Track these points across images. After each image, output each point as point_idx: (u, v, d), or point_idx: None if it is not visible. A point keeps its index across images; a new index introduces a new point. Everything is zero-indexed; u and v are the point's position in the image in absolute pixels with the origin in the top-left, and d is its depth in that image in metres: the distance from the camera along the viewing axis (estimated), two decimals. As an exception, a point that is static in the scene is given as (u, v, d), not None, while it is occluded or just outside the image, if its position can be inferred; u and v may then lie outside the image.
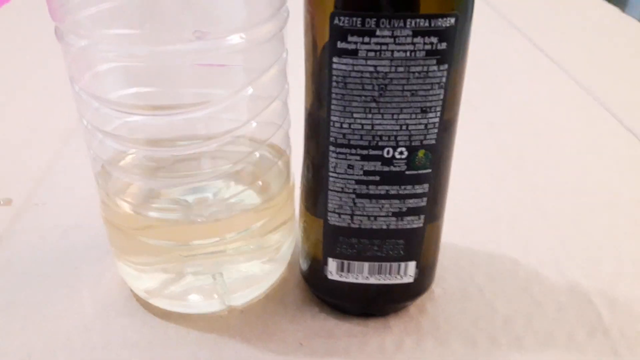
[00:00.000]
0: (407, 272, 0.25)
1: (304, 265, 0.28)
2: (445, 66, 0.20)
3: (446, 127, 0.22)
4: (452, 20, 0.19)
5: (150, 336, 0.27)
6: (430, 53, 0.20)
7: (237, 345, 0.26)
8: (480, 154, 0.40)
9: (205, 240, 0.26)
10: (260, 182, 0.27)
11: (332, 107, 0.21)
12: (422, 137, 0.22)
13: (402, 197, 0.23)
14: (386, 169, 0.22)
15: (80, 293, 0.29)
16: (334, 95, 0.21)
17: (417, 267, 0.25)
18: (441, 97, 0.21)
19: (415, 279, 0.26)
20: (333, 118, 0.21)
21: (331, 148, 0.22)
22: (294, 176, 0.28)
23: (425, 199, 0.23)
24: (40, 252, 0.32)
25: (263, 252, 0.27)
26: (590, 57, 0.55)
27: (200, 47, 0.21)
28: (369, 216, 0.23)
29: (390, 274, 0.25)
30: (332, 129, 0.22)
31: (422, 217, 0.24)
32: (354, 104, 0.21)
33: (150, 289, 0.27)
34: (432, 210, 0.24)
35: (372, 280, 0.25)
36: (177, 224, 0.26)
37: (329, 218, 0.24)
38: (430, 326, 0.27)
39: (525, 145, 0.41)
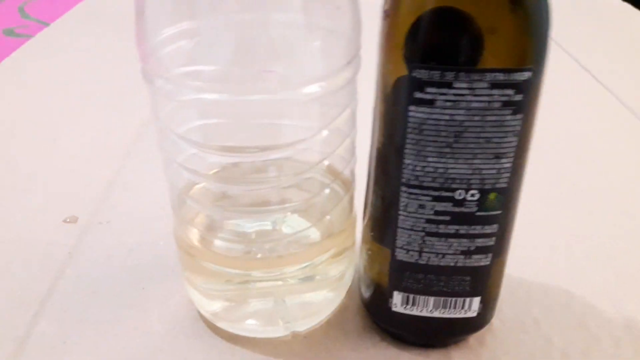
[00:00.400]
0: (472, 307, 0.26)
1: (366, 293, 0.29)
2: (520, 116, 0.21)
3: (517, 171, 0.22)
4: (528, 74, 0.20)
5: (218, 358, 0.28)
6: (506, 104, 0.20)
7: (302, 371, 0.27)
8: (535, 184, 0.40)
9: (264, 273, 0.27)
10: (326, 218, 0.28)
11: (406, 151, 0.22)
12: (494, 181, 0.22)
13: (471, 237, 0.24)
14: (457, 209, 0.23)
15: (149, 313, 0.30)
16: (408, 140, 0.22)
17: (482, 302, 0.26)
18: (514, 144, 0.21)
19: (478, 314, 0.26)
20: (407, 161, 0.22)
21: (403, 188, 0.23)
22: (356, 206, 0.29)
23: (493, 238, 0.24)
24: (107, 271, 0.33)
25: (325, 282, 0.28)
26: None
27: (282, 97, 0.21)
28: (437, 253, 0.24)
29: (454, 308, 0.26)
30: (404, 170, 0.22)
31: (490, 255, 0.24)
32: (429, 149, 0.22)
33: (216, 312, 0.28)
34: (499, 248, 0.24)
35: (436, 314, 0.26)
36: (238, 257, 0.27)
37: (396, 253, 0.25)
38: (490, 358, 0.27)
39: (579, 174, 0.41)
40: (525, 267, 0.32)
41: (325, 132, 0.24)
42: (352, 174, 0.28)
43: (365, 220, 0.27)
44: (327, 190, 0.26)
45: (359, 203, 0.29)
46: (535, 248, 0.34)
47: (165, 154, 0.26)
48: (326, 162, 0.25)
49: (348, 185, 0.27)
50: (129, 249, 0.35)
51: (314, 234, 0.28)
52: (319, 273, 0.28)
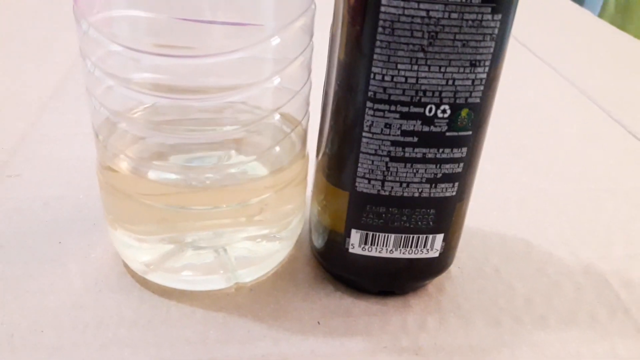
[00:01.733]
0: (434, 245, 0.24)
1: (318, 241, 0.26)
2: (499, 16, 0.19)
3: (491, 85, 0.21)
4: (512, -35, 0.18)
5: (150, 314, 0.24)
6: (485, 0, 0.19)
7: (249, 324, 0.24)
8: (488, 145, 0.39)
9: (201, 206, 0.24)
10: (267, 154, 0.25)
11: (375, 56, 0.20)
12: (467, 95, 0.20)
13: (439, 162, 0.22)
14: (426, 129, 0.21)
15: (67, 267, 0.26)
16: (378, 43, 0.19)
17: (444, 240, 0.24)
18: (491, 50, 0.20)
19: (441, 254, 0.24)
20: (375, 69, 0.20)
21: (368, 104, 0.21)
22: (310, 151, 0.27)
23: (462, 164, 0.22)
24: (17, 224, 0.29)
25: (270, 226, 0.26)
26: (579, 60, 0.56)
27: None
28: (401, 182, 0.22)
29: (416, 247, 0.24)
30: (372, 81, 0.20)
31: (456, 185, 0.22)
32: (400, 53, 0.19)
33: (150, 261, 0.25)
34: (466, 177, 0.23)
35: (397, 254, 0.24)
36: (175, 187, 0.23)
37: (357, 185, 0.22)
38: (451, 305, 0.26)
39: (529, 140, 0.41)
40: (481, 218, 0.31)
41: (277, 40, 0.21)
42: (305, 105, 0.25)
43: (319, 159, 0.25)
44: (268, 122, 0.24)
45: (312, 150, 0.26)
46: (489, 200, 0.33)
47: (94, 70, 0.22)
48: (275, 82, 0.22)
49: (292, 120, 0.24)
50: (44, 202, 0.30)
51: (256, 170, 0.25)
52: (264, 215, 0.25)
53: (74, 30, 0.22)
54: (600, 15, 1.30)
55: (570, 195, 0.34)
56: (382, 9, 0.19)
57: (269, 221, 0.25)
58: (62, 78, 0.44)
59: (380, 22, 0.19)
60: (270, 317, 0.24)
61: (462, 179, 0.22)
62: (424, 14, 0.19)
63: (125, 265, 0.26)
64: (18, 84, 0.43)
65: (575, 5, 0.72)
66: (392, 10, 0.19)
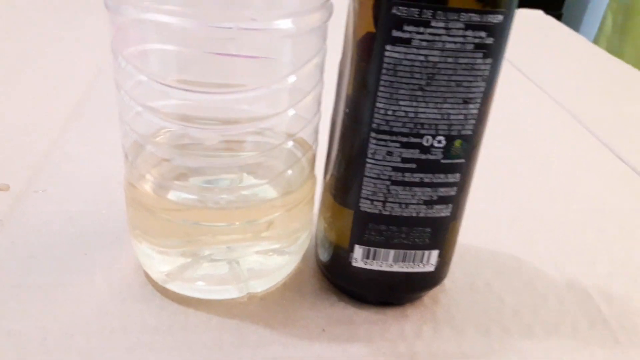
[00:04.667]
0: (430, 260, 0.26)
1: (323, 255, 0.28)
2: (490, 60, 0.22)
3: (482, 119, 0.23)
4: (501, 17, 0.21)
5: (170, 321, 0.27)
6: (478, 46, 0.21)
7: (260, 330, 0.26)
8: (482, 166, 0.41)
9: (216, 223, 0.26)
10: (279, 178, 0.28)
11: (379, 93, 0.22)
12: (460, 127, 0.23)
13: (435, 186, 0.24)
14: (423, 156, 0.23)
15: (93, 277, 0.29)
16: (382, 82, 0.22)
17: (439, 256, 0.26)
18: (482, 89, 0.22)
19: (436, 268, 0.27)
20: (379, 105, 0.22)
21: (372, 134, 0.23)
22: (317, 171, 0.29)
23: (455, 188, 0.24)
24: (46, 237, 0.31)
25: (278, 241, 0.28)
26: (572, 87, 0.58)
27: (252, 27, 0.21)
28: (400, 203, 0.24)
29: (413, 261, 0.26)
30: (375, 115, 0.23)
31: (451, 206, 0.25)
32: (401, 91, 0.22)
33: (170, 272, 0.27)
34: (459, 199, 0.25)
35: (396, 268, 0.26)
36: (193, 206, 0.26)
37: (361, 205, 0.25)
38: (445, 315, 0.28)
39: (521, 162, 0.43)
40: (474, 235, 0.33)
41: (292, 79, 0.24)
42: (315, 132, 0.28)
43: (327, 180, 0.27)
44: (283, 148, 0.26)
45: (320, 171, 0.29)
46: (483, 218, 0.35)
47: (125, 97, 0.24)
48: (290, 114, 0.25)
49: (304, 145, 0.27)
50: (69, 216, 0.33)
51: (267, 192, 0.27)
52: (273, 232, 0.27)
53: (95, 49, 0.24)
54: (598, 35, 1.33)
55: (559, 215, 0.37)
56: (386, 53, 0.21)
57: (279, 237, 0.28)
58: (81, 98, 0.46)
59: (384, 65, 0.21)
60: (280, 324, 0.27)
61: (456, 201, 0.25)
62: (423, 58, 0.21)
63: (147, 275, 0.29)
64: (40, 103, 0.45)
65: (571, 31, 0.75)
66: (395, 54, 0.21)
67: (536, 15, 0.80)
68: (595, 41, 1.32)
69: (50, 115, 0.43)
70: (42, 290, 0.28)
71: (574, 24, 1.62)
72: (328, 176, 0.27)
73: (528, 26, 0.75)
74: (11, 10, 0.65)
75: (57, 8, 0.67)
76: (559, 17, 1.20)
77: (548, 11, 0.81)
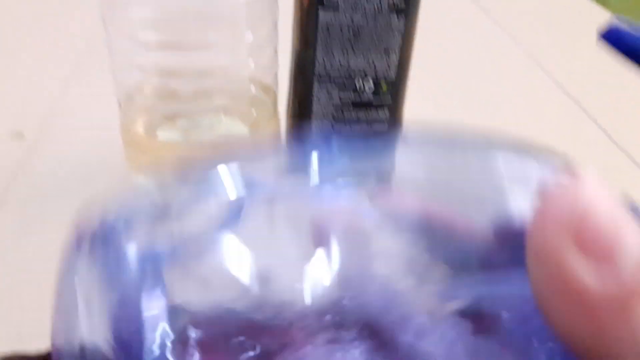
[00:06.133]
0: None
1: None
2: (404, 18, 0.27)
3: (403, 65, 0.29)
4: (409, -17, 0.26)
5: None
6: (392, 8, 0.27)
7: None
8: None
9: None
10: (248, 116, 0.34)
11: (318, 48, 0.28)
12: (385, 73, 0.29)
13: (369, 121, 0.30)
14: (357, 98, 0.29)
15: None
16: (319, 39, 0.28)
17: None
18: (399, 42, 0.28)
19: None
20: (318, 57, 0.28)
21: (315, 81, 0.29)
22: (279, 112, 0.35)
23: (386, 124, 0.30)
24: (62, 177, 0.37)
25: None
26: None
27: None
28: (342, 136, 0.31)
29: (357, 183, 0.32)
30: (317, 65, 0.28)
31: (383, 136, 0.31)
32: (335, 46, 0.28)
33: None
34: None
35: (344, 188, 0.33)
36: (179, 144, 0.32)
37: (311, 138, 0.31)
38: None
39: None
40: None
41: (250, 38, 0.29)
42: (276, 79, 0.33)
43: (287, 118, 0.33)
44: (252, 92, 0.32)
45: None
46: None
47: (117, 58, 0.30)
48: (252, 66, 0.31)
49: (268, 90, 0.33)
50: (77, 161, 0.39)
51: (242, 128, 0.33)
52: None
53: (87, 13, 0.30)
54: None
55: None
56: (320, 16, 0.27)
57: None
58: (79, 57, 0.52)
59: (319, 25, 0.27)
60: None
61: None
62: (349, 19, 0.27)
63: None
64: (38, 64, 0.51)
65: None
66: (327, 17, 0.27)
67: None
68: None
69: (52, 73, 0.49)
70: (63, 218, 0.34)
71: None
72: (287, 115, 0.33)
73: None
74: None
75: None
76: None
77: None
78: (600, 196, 0.10)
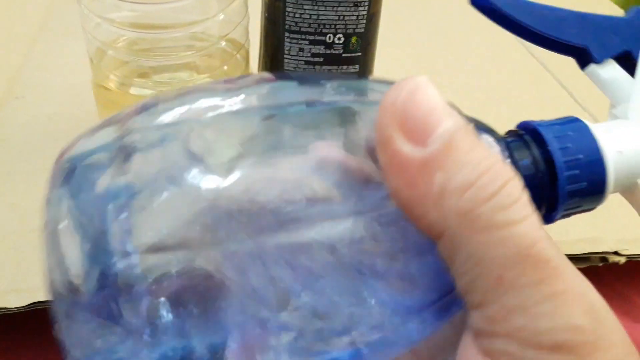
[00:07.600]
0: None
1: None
2: (372, -29, 0.27)
3: (372, 19, 0.29)
4: None
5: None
6: (361, -40, 0.27)
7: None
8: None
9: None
10: (218, 72, 0.34)
11: (287, 0, 0.28)
12: (354, 26, 0.29)
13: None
14: (328, 51, 0.30)
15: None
16: (289, -8, 0.28)
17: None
18: (368, -6, 0.28)
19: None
20: (288, 9, 0.28)
21: (286, 34, 0.29)
22: (252, 68, 0.35)
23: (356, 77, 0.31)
24: (30, 134, 0.37)
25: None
26: None
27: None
28: (314, 90, 0.31)
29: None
30: (287, 18, 0.29)
31: (354, 91, 0.31)
32: (304, -2, 0.28)
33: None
34: (361, 86, 0.32)
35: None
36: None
37: (283, 92, 0.31)
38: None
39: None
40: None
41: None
42: (246, 32, 0.33)
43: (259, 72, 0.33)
44: (219, 45, 0.32)
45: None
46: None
47: (85, 10, 0.30)
48: (220, 17, 0.31)
49: (237, 44, 0.33)
50: (48, 117, 0.38)
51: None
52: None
53: None
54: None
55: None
56: (290, -33, 0.27)
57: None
58: (45, 13, 0.51)
59: (289, -23, 0.27)
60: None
61: (359, 87, 0.31)
62: (318, -30, 0.27)
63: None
64: (5, 21, 0.50)
65: None
66: (296, -32, 0.27)
67: None
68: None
69: (16, 32, 0.48)
70: (31, 174, 0.34)
71: None
72: (259, 70, 0.33)
73: None
74: None
75: None
76: None
77: None
78: (423, 92, 0.13)
